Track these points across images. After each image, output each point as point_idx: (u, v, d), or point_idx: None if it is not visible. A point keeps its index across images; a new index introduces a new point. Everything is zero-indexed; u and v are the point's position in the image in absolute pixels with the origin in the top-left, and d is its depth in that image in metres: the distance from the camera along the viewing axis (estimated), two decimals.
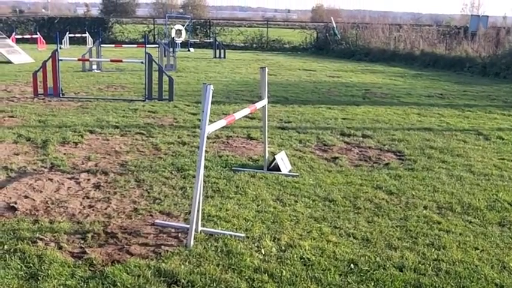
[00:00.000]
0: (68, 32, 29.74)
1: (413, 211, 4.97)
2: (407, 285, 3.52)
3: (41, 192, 5.22)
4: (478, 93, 14.23)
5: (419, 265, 3.82)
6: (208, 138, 4.37)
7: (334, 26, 30.90)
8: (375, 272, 3.69)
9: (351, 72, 19.29)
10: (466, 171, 6.37)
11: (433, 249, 4.11)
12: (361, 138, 8.06)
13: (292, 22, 56.44)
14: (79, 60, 13.93)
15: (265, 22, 39.73)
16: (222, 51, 24.49)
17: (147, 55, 11.13)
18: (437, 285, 3.53)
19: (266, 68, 5.79)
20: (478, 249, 4.16)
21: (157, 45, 19.63)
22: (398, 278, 3.60)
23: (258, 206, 4.97)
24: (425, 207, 5.08)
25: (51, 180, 5.61)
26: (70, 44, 29.13)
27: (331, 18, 33.96)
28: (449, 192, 5.55)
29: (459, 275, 3.69)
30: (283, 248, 4.06)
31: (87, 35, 30.13)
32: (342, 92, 13.49)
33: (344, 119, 9.67)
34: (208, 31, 36.02)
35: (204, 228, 4.32)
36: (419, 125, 9.31)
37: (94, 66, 16.72)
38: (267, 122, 6.12)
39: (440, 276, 3.66)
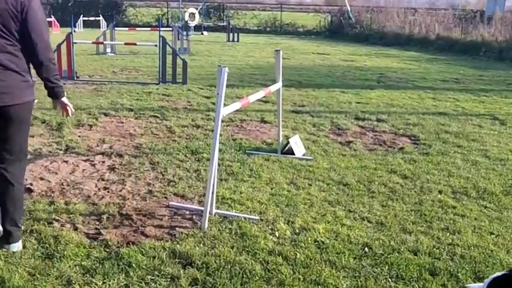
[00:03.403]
0: (81, 15, 29.77)
1: (428, 195, 4.95)
2: (421, 269, 3.51)
3: (56, 174, 5.26)
4: (494, 77, 14.08)
5: (434, 249, 3.81)
6: (222, 121, 4.37)
7: (349, 9, 30.66)
8: (389, 256, 3.68)
9: (365, 56, 19.16)
10: (481, 156, 6.32)
11: (448, 234, 4.09)
12: (376, 122, 8.01)
13: (306, 6, 56.00)
14: (93, 43, 13.97)
15: (279, 6, 39.45)
16: (236, 34, 24.42)
17: (161, 38, 11.12)
18: (452, 270, 3.51)
19: (281, 51, 5.77)
20: (493, 234, 4.14)
21: (171, 29, 19.62)
22: (412, 262, 3.59)
23: (272, 189, 4.97)
24: (440, 192, 5.05)
25: (66, 162, 5.65)
26: (84, 27, 29.16)
27: (346, 1, 33.65)
28: (465, 177, 5.51)
29: (474, 260, 3.67)
30: (297, 231, 4.07)
31: (100, 18, 30.10)
32: (356, 76, 13.41)
33: (358, 103, 9.61)
34: (221, 14, 35.92)
35: (218, 211, 4.33)
36: (434, 109, 9.24)
37: (108, 50, 16.75)
38: (281, 105, 6.10)
39: (455, 261, 3.64)
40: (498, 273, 2.40)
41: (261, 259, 3.58)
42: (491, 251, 3.82)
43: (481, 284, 2.54)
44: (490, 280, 2.35)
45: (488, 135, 7.35)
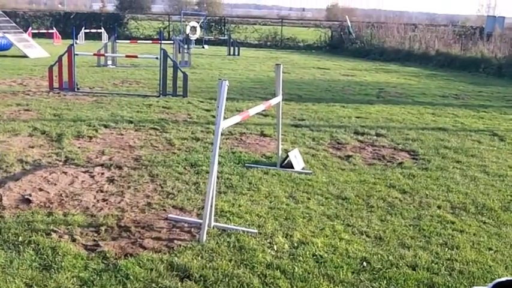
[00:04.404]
0: (83, 28, 29.93)
1: (426, 210, 4.94)
2: (420, 284, 3.50)
3: (55, 185, 5.26)
4: (493, 94, 14.12)
5: (433, 264, 3.80)
6: (221, 134, 4.38)
7: (349, 24, 30.80)
8: (387, 271, 3.68)
9: (365, 71, 19.22)
10: (480, 172, 6.32)
11: (447, 249, 4.09)
12: (375, 137, 8.02)
13: (307, 20, 56.33)
14: (95, 55, 14.02)
15: (280, 20, 39.71)
16: (236, 48, 24.50)
17: (162, 51, 11.17)
18: (450, 285, 3.51)
19: (281, 65, 5.80)
20: (492, 249, 4.13)
21: (172, 42, 19.70)
22: (411, 277, 3.59)
23: (270, 202, 4.97)
24: (439, 207, 5.05)
25: (65, 173, 5.65)
26: (85, 39, 29.31)
27: (346, 17, 33.85)
28: (463, 193, 5.51)
29: (473, 275, 3.66)
30: (295, 244, 4.06)
31: (102, 30, 30.28)
32: (356, 91, 13.44)
33: (358, 117, 9.63)
34: (222, 28, 36.05)
35: (217, 224, 4.33)
36: (433, 124, 9.25)
37: (109, 62, 16.80)
38: (281, 118, 6.11)
39: (454, 276, 3.64)
40: (502, 279, 2.38)
41: (259, 272, 3.57)
42: (490, 266, 3.82)
43: (489, 284, 2.52)
44: (494, 284, 2.34)
45: (487, 151, 7.36)
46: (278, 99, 5.85)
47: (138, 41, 24.16)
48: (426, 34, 26.34)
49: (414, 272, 3.68)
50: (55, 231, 4.10)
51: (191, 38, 27.14)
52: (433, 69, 20.93)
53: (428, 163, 6.63)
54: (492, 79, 18.18)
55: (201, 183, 5.41)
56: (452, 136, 8.28)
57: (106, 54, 15.43)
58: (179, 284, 3.38)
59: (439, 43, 24.50)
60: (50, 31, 29.85)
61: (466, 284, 3.54)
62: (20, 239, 3.92)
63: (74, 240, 3.99)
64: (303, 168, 6.16)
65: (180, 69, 11.38)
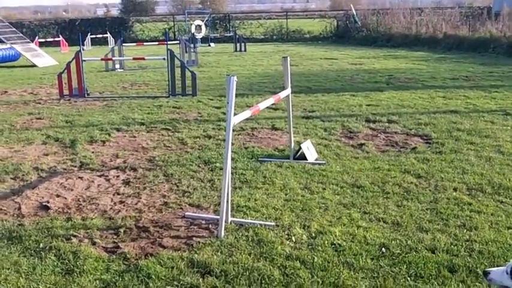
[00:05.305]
0: (89, 33, 30.09)
1: (443, 193, 4.93)
2: (440, 267, 3.50)
3: (72, 190, 5.31)
4: (504, 73, 13.98)
5: (452, 246, 3.79)
6: (233, 130, 4.40)
7: (354, 13, 30.67)
8: (407, 255, 3.68)
9: (373, 58, 19.14)
10: (495, 152, 6.28)
11: (465, 230, 4.08)
12: (387, 124, 8.00)
13: (312, 12, 56.16)
14: (102, 59, 14.10)
15: (284, 13, 39.63)
16: (243, 44, 24.51)
17: (168, 52, 11.20)
18: (470, 266, 3.50)
19: (288, 57, 5.80)
20: (511, 228, 4.11)
21: (178, 42, 19.75)
22: (430, 260, 3.58)
23: (286, 194, 4.98)
24: (455, 189, 5.03)
25: (81, 178, 5.71)
26: (92, 45, 29.49)
27: (351, 5, 33.69)
28: (479, 173, 5.49)
29: (492, 255, 3.65)
30: (313, 235, 4.07)
31: (108, 35, 30.42)
32: (365, 79, 13.40)
33: (368, 105, 9.60)
34: (227, 25, 36.08)
35: (234, 219, 4.35)
36: (445, 108, 9.20)
37: (117, 66, 16.89)
38: (291, 111, 6.11)
39: (474, 257, 3.63)
40: None
41: (278, 264, 3.59)
42: (510, 245, 3.80)
43: (502, 268, 2.52)
44: None
45: (501, 131, 7.31)
46: (287, 92, 5.86)
47: (144, 43, 24.23)
48: (433, 18, 26.18)
49: (434, 255, 3.68)
50: (75, 236, 4.15)
51: (197, 37, 27.19)
52: (441, 53, 20.78)
53: (442, 146, 6.60)
54: (502, 58, 18.01)
55: (215, 180, 5.44)
56: (464, 118, 8.23)
57: (113, 58, 15.51)
58: (200, 280, 3.41)
59: (447, 26, 24.31)
60: (57, 39, 30.04)
61: (486, 264, 3.53)
62: (41, 245, 3.97)
63: (94, 243, 4.03)
64: (316, 159, 6.17)
65: (188, 69, 11.42)
